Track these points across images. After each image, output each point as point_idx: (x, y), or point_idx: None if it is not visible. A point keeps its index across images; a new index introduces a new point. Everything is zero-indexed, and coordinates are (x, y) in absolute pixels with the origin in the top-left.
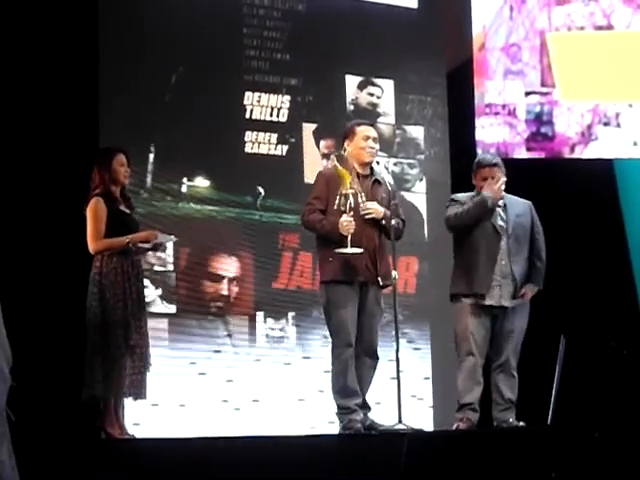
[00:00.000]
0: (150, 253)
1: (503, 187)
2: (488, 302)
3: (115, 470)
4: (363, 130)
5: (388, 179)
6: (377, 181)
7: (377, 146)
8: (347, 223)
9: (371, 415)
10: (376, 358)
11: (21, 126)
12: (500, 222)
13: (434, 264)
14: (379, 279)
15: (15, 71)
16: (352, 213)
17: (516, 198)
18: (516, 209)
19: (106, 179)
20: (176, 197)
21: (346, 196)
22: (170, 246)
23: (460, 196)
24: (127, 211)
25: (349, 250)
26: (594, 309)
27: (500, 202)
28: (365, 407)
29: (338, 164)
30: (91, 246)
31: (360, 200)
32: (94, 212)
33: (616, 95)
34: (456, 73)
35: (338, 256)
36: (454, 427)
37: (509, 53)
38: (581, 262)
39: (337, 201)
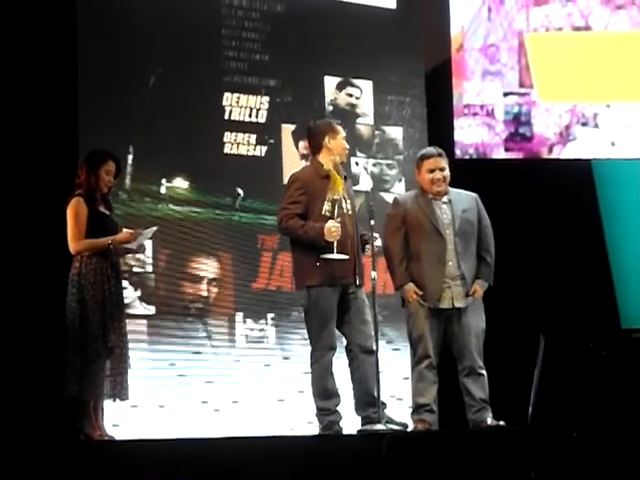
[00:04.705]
0: (130, 254)
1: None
2: (441, 306)
3: (94, 472)
4: (342, 130)
5: (365, 179)
6: (345, 178)
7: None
8: (335, 229)
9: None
10: (372, 353)
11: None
12: (445, 220)
13: None
14: (357, 278)
15: None
16: (339, 218)
17: (461, 192)
18: (462, 204)
19: (91, 181)
20: (155, 198)
21: (335, 201)
22: (149, 247)
23: (401, 197)
24: (106, 212)
25: (337, 256)
26: (573, 309)
27: (445, 198)
28: (380, 404)
29: (332, 169)
30: (72, 246)
31: (348, 206)
32: (75, 212)
33: (594, 96)
34: (434, 74)
35: (324, 261)
36: (410, 429)
37: (487, 54)
38: (560, 262)
39: (325, 206)
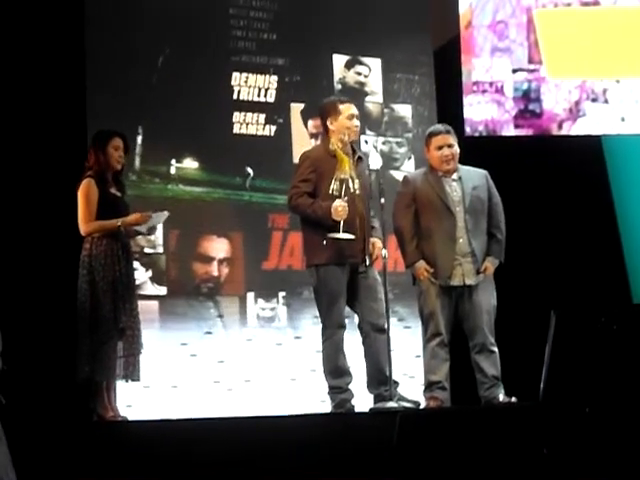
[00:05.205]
0: (140, 236)
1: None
2: (452, 283)
3: (108, 452)
4: (347, 108)
5: (375, 157)
6: (359, 157)
7: (359, 123)
8: (342, 208)
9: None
10: (384, 331)
11: (7, 108)
12: (455, 197)
13: None
14: (366, 258)
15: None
16: (346, 198)
17: (471, 169)
18: (472, 181)
19: (100, 160)
20: (165, 179)
21: (342, 181)
22: (160, 228)
23: (411, 175)
24: (118, 194)
25: (343, 236)
26: (584, 285)
27: (455, 175)
28: (392, 383)
29: (338, 148)
30: (82, 228)
31: (355, 185)
32: (85, 194)
33: (603, 71)
34: (443, 51)
35: (332, 240)
36: (422, 407)
37: (496, 30)
38: (570, 238)
39: (332, 185)
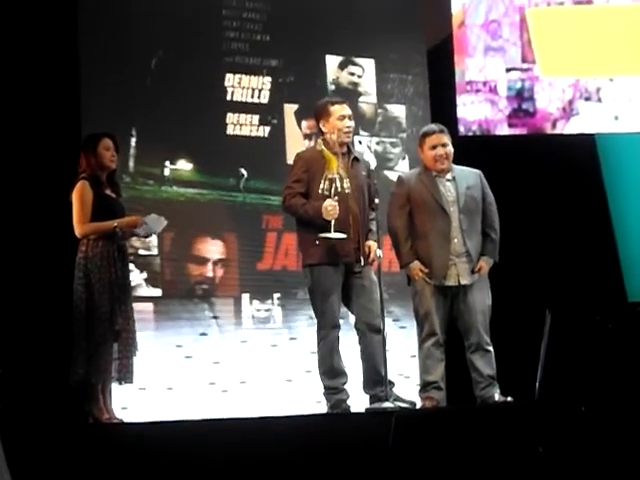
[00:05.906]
0: (134, 237)
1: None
2: (447, 283)
3: (103, 454)
4: (338, 110)
5: (369, 158)
6: (355, 158)
7: (353, 123)
8: (332, 208)
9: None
10: (380, 332)
11: (1, 112)
12: (449, 197)
13: None
14: (361, 259)
15: None
16: (337, 197)
17: (465, 169)
18: (466, 181)
19: (92, 163)
20: (159, 181)
21: (331, 180)
22: None
23: (405, 176)
24: (113, 195)
25: (333, 235)
26: (579, 284)
27: (449, 175)
28: (388, 383)
29: (325, 148)
30: (77, 230)
31: (344, 185)
32: (80, 196)
33: (597, 70)
34: (436, 51)
35: (323, 240)
36: (418, 407)
37: (489, 30)
38: (565, 237)
39: (322, 185)
